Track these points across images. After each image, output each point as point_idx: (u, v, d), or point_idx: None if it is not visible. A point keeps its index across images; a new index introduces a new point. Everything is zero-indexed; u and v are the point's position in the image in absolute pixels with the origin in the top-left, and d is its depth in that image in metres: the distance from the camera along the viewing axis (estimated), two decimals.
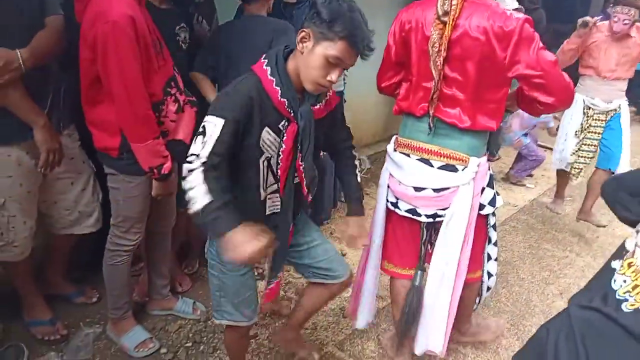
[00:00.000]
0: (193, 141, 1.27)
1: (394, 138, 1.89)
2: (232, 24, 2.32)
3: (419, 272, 1.90)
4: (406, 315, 1.90)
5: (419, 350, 1.93)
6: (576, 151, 3.42)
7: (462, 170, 1.70)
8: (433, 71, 1.63)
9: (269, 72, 1.34)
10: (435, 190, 1.73)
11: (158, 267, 2.20)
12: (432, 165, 1.72)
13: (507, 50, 1.54)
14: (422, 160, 1.74)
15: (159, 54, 1.71)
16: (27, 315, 2.06)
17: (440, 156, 1.70)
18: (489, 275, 2.01)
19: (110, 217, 1.90)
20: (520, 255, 3.14)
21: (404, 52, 1.75)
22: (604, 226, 3.37)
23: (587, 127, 3.31)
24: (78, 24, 1.59)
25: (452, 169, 1.70)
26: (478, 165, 1.71)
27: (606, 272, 1.07)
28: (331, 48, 1.28)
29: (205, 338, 2.19)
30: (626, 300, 0.95)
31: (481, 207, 1.78)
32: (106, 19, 1.49)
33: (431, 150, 1.71)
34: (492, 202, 1.80)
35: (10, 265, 1.91)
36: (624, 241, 1.07)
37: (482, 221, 1.84)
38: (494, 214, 1.89)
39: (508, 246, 3.23)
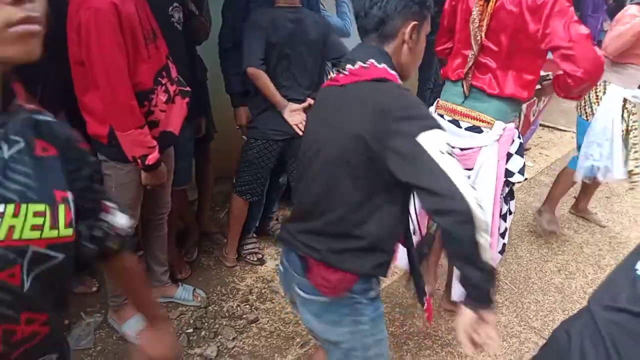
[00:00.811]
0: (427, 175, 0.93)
1: (436, 101, 2.02)
2: (277, 14, 2.20)
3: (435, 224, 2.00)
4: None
5: (455, 296, 1.98)
6: (629, 153, 2.78)
7: (487, 132, 1.78)
8: (473, 45, 1.74)
9: (389, 70, 1.15)
10: (461, 149, 1.81)
11: (156, 255, 2.20)
12: (460, 126, 1.83)
13: (540, 22, 1.59)
14: (452, 121, 1.85)
15: (152, 43, 1.69)
16: None
17: (469, 117, 1.81)
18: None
19: None
20: (518, 233, 3.15)
21: (453, 20, 1.88)
22: (604, 226, 3.27)
23: (631, 126, 2.78)
24: (66, 3, 1.56)
25: (477, 130, 1.80)
26: (503, 129, 1.77)
27: (628, 268, 1.01)
28: (428, 25, 1.21)
29: (206, 324, 2.20)
30: None
31: (510, 173, 1.84)
32: (89, 5, 1.48)
33: (461, 112, 1.83)
34: (522, 171, 1.86)
35: None
36: None
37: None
38: (508, 184, 1.92)
39: None
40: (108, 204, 0.86)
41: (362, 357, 1.24)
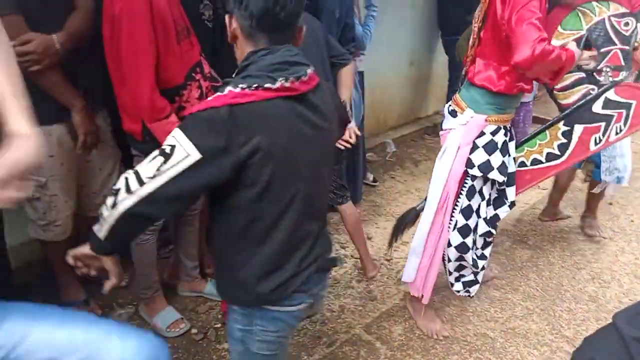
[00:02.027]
0: None
1: None
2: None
3: (425, 201, 2.15)
4: (398, 222, 2.28)
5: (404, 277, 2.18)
6: None
7: (459, 116, 1.94)
8: (471, 39, 1.92)
9: None
10: (443, 129, 2.04)
11: (186, 249, 2.24)
12: (448, 109, 2.01)
13: (504, 11, 1.69)
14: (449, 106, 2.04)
15: (186, 39, 1.71)
16: (63, 295, 2.13)
17: (454, 102, 1.98)
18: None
19: None
20: (550, 239, 3.07)
21: None
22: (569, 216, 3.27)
23: None
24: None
25: (454, 114, 1.97)
26: (471, 117, 1.89)
27: None
28: None
29: None
30: None
31: (470, 164, 1.90)
32: None
33: (454, 98, 2.01)
34: (484, 168, 1.90)
35: (50, 245, 1.95)
36: None
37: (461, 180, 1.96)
38: (488, 181, 1.98)
39: (538, 230, 3.16)
40: None
41: None
